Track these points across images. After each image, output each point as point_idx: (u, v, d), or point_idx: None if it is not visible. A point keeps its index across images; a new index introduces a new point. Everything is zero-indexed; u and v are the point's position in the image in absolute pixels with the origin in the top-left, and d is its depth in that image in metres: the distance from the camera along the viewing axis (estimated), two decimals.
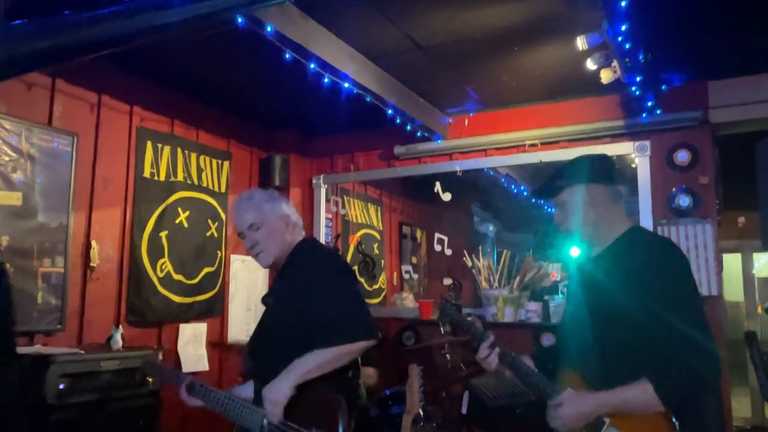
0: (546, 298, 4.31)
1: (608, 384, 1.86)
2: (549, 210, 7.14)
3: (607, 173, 2.07)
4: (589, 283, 2.06)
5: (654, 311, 1.80)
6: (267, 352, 2.26)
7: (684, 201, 4.00)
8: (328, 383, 2.11)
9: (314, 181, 5.28)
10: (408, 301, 5.42)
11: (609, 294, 1.93)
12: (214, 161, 4.53)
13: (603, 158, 2.16)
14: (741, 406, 7.37)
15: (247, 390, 2.32)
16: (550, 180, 2.13)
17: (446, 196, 4.75)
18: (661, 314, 1.79)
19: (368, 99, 3.86)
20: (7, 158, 3.20)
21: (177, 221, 4.17)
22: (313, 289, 2.17)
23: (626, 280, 1.89)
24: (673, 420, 1.80)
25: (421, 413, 3.42)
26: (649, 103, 4.04)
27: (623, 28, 3.08)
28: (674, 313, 1.78)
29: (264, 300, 2.42)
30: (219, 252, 4.49)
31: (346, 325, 2.10)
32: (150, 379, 2.96)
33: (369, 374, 3.76)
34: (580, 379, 1.95)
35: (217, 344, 4.44)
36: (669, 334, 1.77)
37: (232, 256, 4.62)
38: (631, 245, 1.97)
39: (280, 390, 2.06)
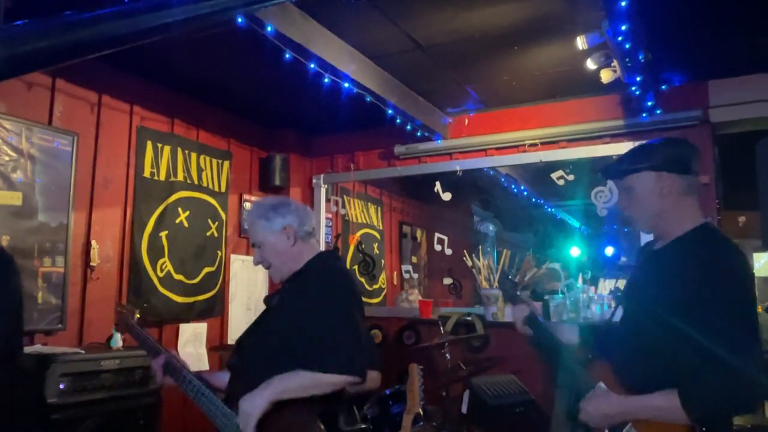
0: (546, 297, 4.31)
1: (641, 384, 1.78)
2: (549, 209, 7.15)
3: (683, 162, 1.88)
4: (644, 277, 1.96)
5: (699, 320, 1.68)
6: (253, 352, 2.23)
7: None
8: (304, 404, 2.05)
9: (314, 181, 5.28)
10: (413, 296, 5.42)
11: (659, 292, 1.81)
12: (215, 161, 4.53)
13: (680, 144, 1.97)
14: None
15: (221, 378, 2.29)
16: (620, 161, 1.97)
17: (446, 196, 4.75)
18: (706, 325, 1.67)
19: (368, 99, 3.86)
20: (7, 158, 3.20)
21: (177, 221, 4.17)
22: (316, 307, 2.12)
23: (680, 281, 1.76)
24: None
25: (422, 413, 3.42)
26: (649, 103, 4.04)
27: (623, 28, 3.08)
28: (720, 327, 1.65)
29: (266, 300, 2.38)
30: (219, 252, 4.49)
31: (336, 355, 2.03)
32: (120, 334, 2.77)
33: (372, 378, 3.75)
34: (612, 373, 1.87)
35: (218, 345, 4.45)
36: (709, 347, 1.64)
37: (233, 256, 4.62)
38: (695, 245, 1.81)
39: (255, 404, 2.00)
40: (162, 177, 4.09)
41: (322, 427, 2.01)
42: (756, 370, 1.63)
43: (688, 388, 1.67)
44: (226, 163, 4.64)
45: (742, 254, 1.77)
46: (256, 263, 2.33)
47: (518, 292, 2.19)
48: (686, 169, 1.88)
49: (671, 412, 1.68)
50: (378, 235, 6.18)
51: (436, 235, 4.99)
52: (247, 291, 4.75)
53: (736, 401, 1.66)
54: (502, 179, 5.52)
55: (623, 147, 4.14)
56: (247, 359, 2.24)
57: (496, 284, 4.44)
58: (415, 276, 6.59)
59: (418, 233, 7.00)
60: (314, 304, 2.14)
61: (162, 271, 4.02)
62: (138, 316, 2.64)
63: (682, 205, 1.87)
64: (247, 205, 4.76)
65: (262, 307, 2.40)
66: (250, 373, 2.12)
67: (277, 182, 4.93)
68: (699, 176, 1.94)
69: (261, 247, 2.28)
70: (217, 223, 4.48)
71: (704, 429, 1.67)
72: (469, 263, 4.61)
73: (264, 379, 2.06)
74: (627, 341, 1.91)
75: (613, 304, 4.03)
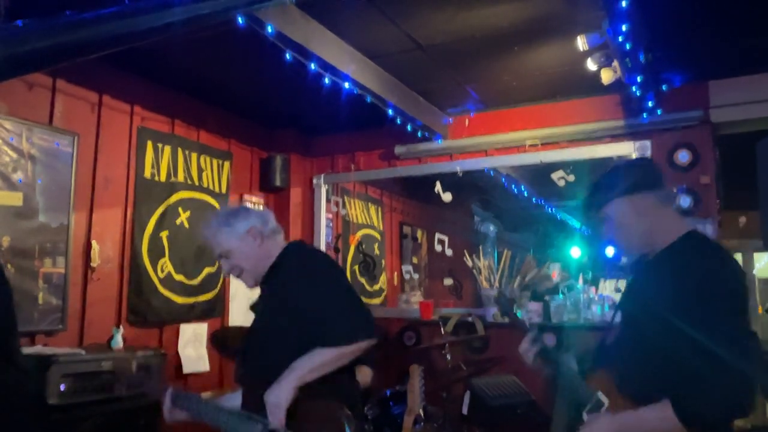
0: (546, 298, 4.31)
1: (638, 393, 1.77)
2: (549, 210, 7.14)
3: (648, 178, 1.94)
4: (635, 287, 2.00)
5: (689, 327, 1.66)
6: (260, 358, 2.22)
7: (685, 201, 3.99)
8: (328, 393, 2.08)
9: (315, 181, 5.28)
10: (415, 298, 5.42)
11: (649, 301, 1.84)
12: (215, 161, 4.53)
13: (641, 163, 2.03)
14: None
15: (233, 400, 2.26)
16: (592, 195, 2.02)
17: (447, 196, 4.75)
18: (694, 330, 1.65)
19: (369, 99, 3.86)
20: (7, 158, 3.20)
21: (178, 221, 4.17)
22: (306, 290, 2.13)
23: (670, 289, 1.77)
24: None
25: (422, 413, 3.42)
26: (650, 103, 4.04)
27: (624, 28, 3.08)
28: (708, 331, 1.64)
29: (253, 307, 2.38)
30: None
31: (346, 325, 2.05)
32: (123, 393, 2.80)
33: (364, 374, 3.76)
34: (611, 382, 1.87)
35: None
36: (698, 353, 1.64)
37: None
38: (684, 252, 1.83)
39: (282, 393, 2.01)
40: (162, 177, 4.09)
41: (348, 412, 2.02)
42: (747, 374, 1.61)
43: (680, 397, 1.66)
44: (227, 164, 4.64)
45: (732, 259, 1.79)
46: (227, 274, 2.32)
47: (514, 307, 2.20)
48: (654, 185, 1.93)
49: (665, 423, 1.67)
50: (378, 236, 6.18)
51: (437, 235, 5.00)
52: (248, 291, 4.72)
53: (730, 408, 1.64)
54: (503, 179, 5.51)
55: (623, 147, 4.16)
56: (254, 367, 2.23)
57: (496, 285, 4.44)
58: (416, 276, 6.59)
59: (419, 234, 6.99)
60: (303, 286, 2.15)
61: (162, 271, 4.02)
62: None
63: (662, 217, 1.91)
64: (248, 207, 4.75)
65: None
66: (262, 379, 2.10)
67: (278, 183, 4.93)
68: (667, 187, 1.99)
69: (228, 255, 2.28)
70: None
71: None
72: (470, 264, 4.61)
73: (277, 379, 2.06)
74: (623, 350, 1.92)
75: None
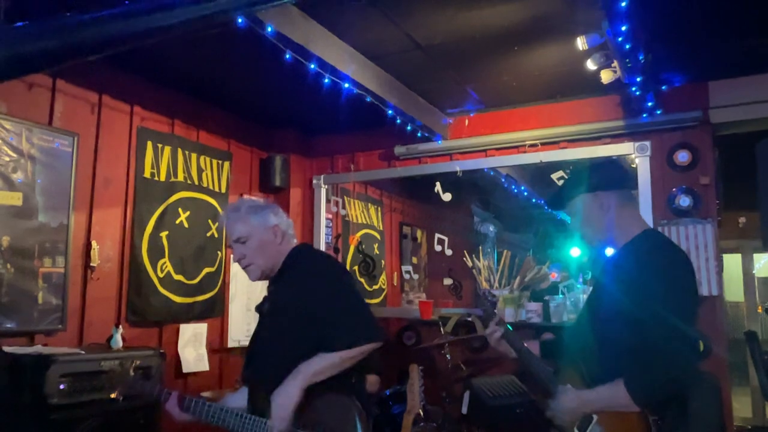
0: (546, 298, 4.31)
1: (600, 381, 1.92)
2: (549, 211, 7.15)
3: (612, 178, 2.10)
4: (597, 284, 2.17)
5: (639, 314, 1.83)
6: (265, 359, 2.23)
7: (684, 201, 4.00)
8: (338, 388, 2.10)
9: (314, 182, 5.28)
10: (417, 298, 5.43)
11: (609, 296, 2.00)
12: (215, 161, 4.53)
13: (607, 164, 2.22)
14: (741, 406, 7.38)
15: (238, 398, 2.28)
16: (560, 191, 2.20)
17: (446, 197, 4.75)
18: (645, 317, 1.82)
19: (368, 99, 3.86)
20: (7, 158, 3.20)
21: (177, 221, 4.17)
22: (313, 293, 2.16)
23: (622, 282, 1.95)
24: (652, 419, 1.82)
25: (422, 413, 3.42)
26: (650, 104, 4.04)
27: (623, 28, 3.08)
28: (652, 315, 1.80)
29: (258, 308, 2.39)
30: (219, 252, 4.49)
31: (353, 329, 2.08)
32: (120, 398, 2.70)
33: (371, 381, 3.76)
34: (578, 376, 2.00)
35: (217, 346, 4.44)
36: (646, 335, 1.80)
37: (233, 257, 4.61)
38: (638, 248, 1.99)
39: (289, 394, 2.04)
40: (162, 177, 4.09)
41: (359, 404, 2.03)
42: (687, 353, 1.80)
43: (630, 374, 1.82)
44: (227, 164, 4.64)
45: (681, 253, 1.98)
46: (237, 259, 2.34)
47: (495, 310, 2.35)
48: (618, 184, 2.10)
49: (619, 400, 1.83)
50: (378, 236, 6.18)
51: (437, 235, 4.99)
52: (247, 291, 4.75)
53: (672, 382, 1.80)
54: (503, 180, 5.52)
55: (623, 147, 4.16)
56: (262, 367, 2.24)
57: (496, 285, 4.45)
58: (416, 277, 6.59)
59: (419, 234, 7.00)
60: (309, 289, 2.18)
61: (162, 271, 4.02)
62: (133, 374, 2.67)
63: (623, 216, 2.06)
64: None
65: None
66: (269, 379, 2.12)
67: (278, 183, 4.93)
68: (631, 189, 2.20)
69: (246, 242, 2.31)
70: (217, 223, 4.48)
71: (655, 418, 1.81)
72: (470, 264, 4.61)
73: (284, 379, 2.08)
74: (586, 343, 2.05)
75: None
